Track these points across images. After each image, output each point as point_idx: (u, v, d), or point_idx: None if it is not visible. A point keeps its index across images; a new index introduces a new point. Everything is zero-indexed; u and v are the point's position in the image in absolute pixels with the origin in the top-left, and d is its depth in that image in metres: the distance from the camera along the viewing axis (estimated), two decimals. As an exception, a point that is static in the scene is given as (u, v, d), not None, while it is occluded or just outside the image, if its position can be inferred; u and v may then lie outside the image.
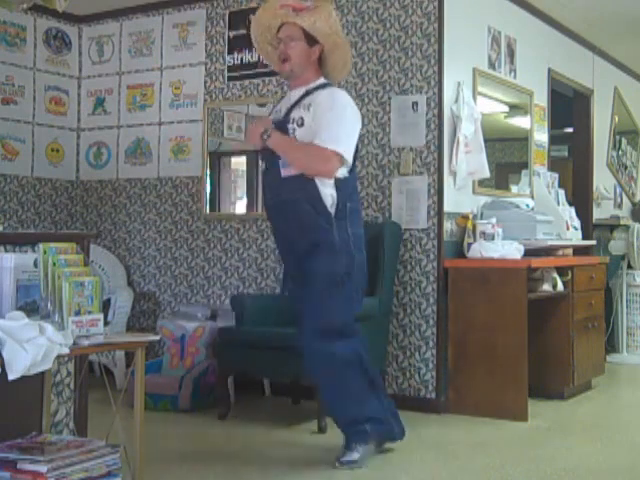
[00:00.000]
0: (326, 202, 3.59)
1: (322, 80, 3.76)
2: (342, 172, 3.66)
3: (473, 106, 5.14)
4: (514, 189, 6.15)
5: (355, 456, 3.67)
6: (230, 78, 5.72)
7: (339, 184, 3.63)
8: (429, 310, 4.92)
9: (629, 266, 7.11)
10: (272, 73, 5.50)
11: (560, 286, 5.19)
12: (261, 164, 3.79)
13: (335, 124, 3.60)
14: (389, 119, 5.08)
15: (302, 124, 3.62)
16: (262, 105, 5.67)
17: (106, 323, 3.26)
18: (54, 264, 2.70)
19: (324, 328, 3.63)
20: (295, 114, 3.66)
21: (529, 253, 4.98)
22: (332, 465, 3.67)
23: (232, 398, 4.97)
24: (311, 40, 3.67)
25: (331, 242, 3.59)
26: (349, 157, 3.64)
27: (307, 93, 3.69)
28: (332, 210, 3.60)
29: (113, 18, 6.29)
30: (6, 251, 2.93)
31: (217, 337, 4.87)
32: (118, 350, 5.19)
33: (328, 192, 3.60)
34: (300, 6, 3.70)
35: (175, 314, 5.71)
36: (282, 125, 3.66)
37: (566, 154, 8.51)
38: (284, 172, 3.62)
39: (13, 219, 5.96)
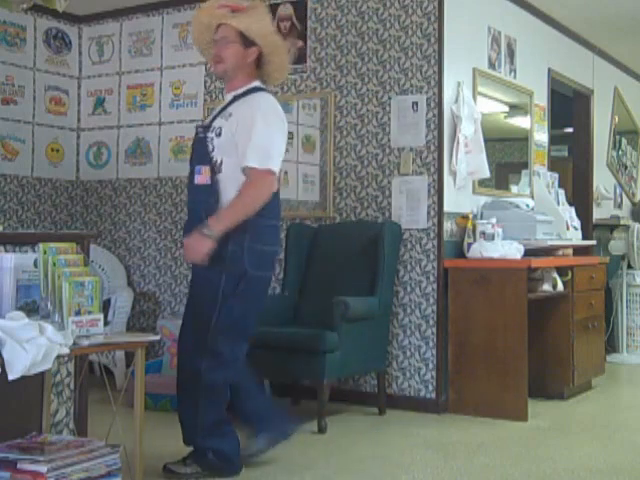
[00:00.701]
0: None
1: (254, 84, 3.62)
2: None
3: (473, 106, 5.14)
4: (514, 189, 6.16)
5: (186, 470, 3.54)
6: (230, 78, 5.71)
7: None
8: (429, 310, 4.92)
9: (629, 266, 7.11)
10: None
11: (560, 286, 5.19)
12: (189, 169, 3.64)
13: (260, 139, 3.43)
14: (389, 119, 5.08)
15: (220, 134, 3.49)
16: (262, 105, 5.66)
17: (106, 323, 3.26)
18: (54, 264, 2.70)
19: (201, 345, 3.49)
20: (216, 123, 3.53)
21: (529, 253, 4.98)
22: (162, 466, 3.55)
23: (232, 398, 4.96)
24: (247, 42, 3.54)
25: (222, 255, 3.40)
26: (277, 170, 3.50)
27: (234, 99, 3.58)
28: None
29: (113, 18, 6.29)
30: (6, 251, 2.93)
31: (217, 337, 4.86)
32: (118, 350, 5.19)
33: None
34: (238, 7, 3.59)
35: (175, 314, 5.71)
36: (203, 132, 3.54)
37: (566, 154, 8.51)
38: (197, 179, 3.51)
39: (13, 219, 5.96)
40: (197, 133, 3.58)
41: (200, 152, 3.52)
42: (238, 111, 3.50)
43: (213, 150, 3.48)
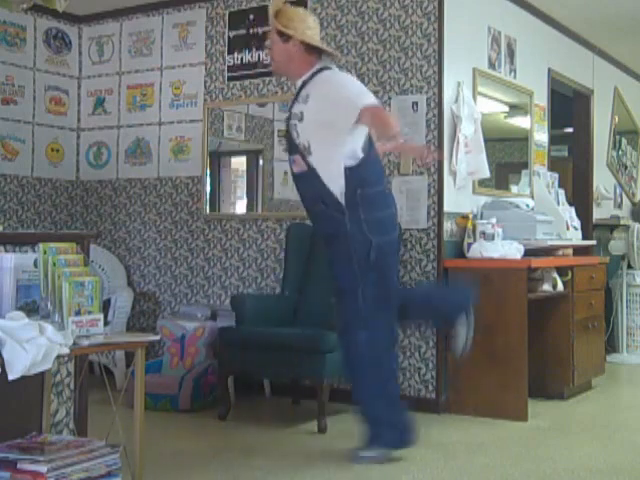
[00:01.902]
0: (335, 192, 3.60)
1: (317, 67, 3.76)
2: (349, 161, 3.63)
3: (473, 106, 5.14)
4: (514, 189, 6.16)
5: (367, 453, 3.70)
6: (230, 78, 5.72)
7: (347, 173, 3.61)
8: (429, 310, 4.92)
9: (629, 266, 7.11)
10: (272, 73, 5.50)
11: (560, 286, 5.19)
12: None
13: (353, 88, 3.65)
14: (389, 119, 5.08)
15: (302, 118, 3.64)
16: (262, 105, 5.67)
17: (106, 323, 3.26)
18: (54, 264, 2.70)
19: (353, 319, 3.68)
20: (295, 109, 3.70)
21: (529, 253, 4.98)
22: (346, 457, 3.70)
23: (232, 398, 4.97)
24: (284, 36, 3.77)
25: (344, 232, 3.61)
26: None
27: (304, 84, 3.73)
28: (342, 200, 3.60)
29: (113, 18, 6.29)
30: (6, 251, 2.93)
31: (217, 337, 4.87)
32: (118, 350, 5.20)
33: (336, 183, 3.60)
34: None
35: (175, 314, 5.71)
36: (286, 121, 3.74)
37: (566, 154, 8.51)
38: (295, 169, 3.71)
39: (13, 219, 5.96)
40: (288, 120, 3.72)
41: (289, 142, 3.70)
42: (314, 90, 3.64)
43: (298, 136, 3.63)
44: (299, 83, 3.76)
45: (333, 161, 3.59)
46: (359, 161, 3.64)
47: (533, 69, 6.10)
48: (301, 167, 3.65)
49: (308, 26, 3.79)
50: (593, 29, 6.71)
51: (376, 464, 3.67)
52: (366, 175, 3.66)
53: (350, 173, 3.61)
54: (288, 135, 3.71)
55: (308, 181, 3.63)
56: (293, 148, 3.68)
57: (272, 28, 3.80)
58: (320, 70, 3.74)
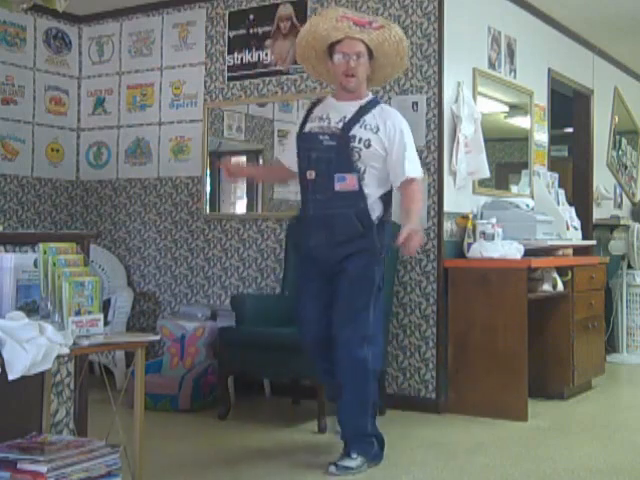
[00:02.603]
0: (373, 216, 3.72)
1: (370, 95, 3.87)
2: (389, 185, 3.83)
3: (473, 106, 5.14)
4: (514, 189, 6.15)
5: (353, 464, 3.64)
6: (230, 78, 5.72)
7: (385, 198, 3.81)
8: (429, 310, 4.92)
9: (629, 266, 7.11)
10: (272, 73, 5.51)
11: (560, 286, 5.18)
12: (310, 174, 3.72)
13: (411, 152, 3.79)
14: (389, 119, 5.07)
15: (369, 146, 3.71)
16: (262, 105, 5.67)
17: (106, 323, 3.26)
18: (54, 264, 2.70)
19: (364, 333, 3.70)
20: (359, 133, 3.70)
21: (529, 253, 4.98)
22: (325, 469, 3.64)
23: (232, 398, 4.97)
24: (371, 56, 3.76)
25: (374, 248, 3.73)
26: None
27: (361, 110, 3.75)
28: (374, 218, 3.74)
29: (113, 18, 6.29)
30: (6, 251, 2.93)
31: (217, 337, 4.87)
32: (118, 350, 5.19)
33: (376, 206, 3.74)
34: (362, 21, 3.75)
35: (175, 314, 5.71)
36: (344, 140, 3.69)
37: (566, 154, 8.51)
38: (338, 186, 3.69)
39: (13, 219, 5.96)
40: (321, 140, 3.71)
41: (344, 161, 3.69)
42: (386, 125, 3.74)
43: (359, 159, 3.69)
44: (354, 106, 3.75)
45: (375, 190, 3.75)
46: (388, 194, 3.85)
47: (533, 69, 6.10)
48: (353, 187, 3.69)
49: None
50: (593, 29, 6.70)
51: (349, 476, 3.61)
52: (389, 207, 3.87)
53: (387, 198, 3.83)
54: (341, 154, 3.70)
55: (353, 200, 3.69)
56: (348, 167, 3.69)
57: (363, 40, 3.70)
58: (377, 102, 3.86)
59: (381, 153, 3.72)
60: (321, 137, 3.72)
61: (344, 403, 3.76)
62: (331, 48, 3.75)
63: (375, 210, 3.73)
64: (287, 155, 3.98)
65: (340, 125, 3.72)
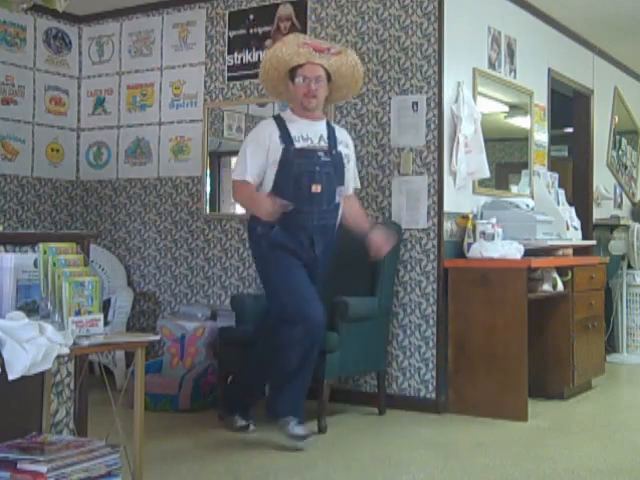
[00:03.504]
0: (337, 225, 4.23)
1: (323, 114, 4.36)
2: None
3: (473, 106, 5.14)
4: (514, 189, 6.15)
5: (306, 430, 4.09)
6: (230, 78, 5.72)
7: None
8: (429, 310, 4.92)
9: (629, 266, 7.11)
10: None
11: (560, 286, 5.19)
12: (316, 188, 4.04)
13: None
14: (389, 119, 5.08)
15: (349, 160, 4.26)
16: (262, 105, 5.67)
17: (106, 323, 3.26)
18: (54, 264, 2.70)
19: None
20: (343, 150, 4.21)
21: (529, 253, 4.98)
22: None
23: (232, 398, 4.96)
24: (329, 79, 4.16)
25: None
26: None
27: (330, 128, 4.21)
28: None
29: (113, 18, 6.29)
30: (6, 251, 2.93)
31: (217, 337, 4.87)
32: (118, 350, 5.19)
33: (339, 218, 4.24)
34: (321, 47, 4.15)
35: (175, 314, 5.71)
36: (338, 156, 4.17)
37: (566, 154, 8.51)
38: (337, 198, 4.13)
39: (13, 219, 5.96)
40: (319, 156, 4.09)
41: (339, 175, 4.14)
42: (348, 142, 4.31)
43: (345, 173, 4.20)
44: (322, 125, 4.19)
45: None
46: None
47: (533, 69, 6.10)
48: (340, 199, 4.15)
49: None
50: (593, 29, 6.71)
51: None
52: None
53: None
54: (339, 169, 4.15)
55: (336, 211, 4.15)
56: (341, 181, 4.16)
57: (323, 64, 4.10)
58: (329, 122, 4.33)
59: (350, 166, 4.25)
60: (319, 153, 4.09)
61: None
62: (292, 71, 4.11)
63: (338, 220, 4.23)
64: (251, 175, 4.09)
65: (323, 144, 4.13)
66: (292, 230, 4.03)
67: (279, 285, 4.09)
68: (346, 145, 4.23)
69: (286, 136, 4.07)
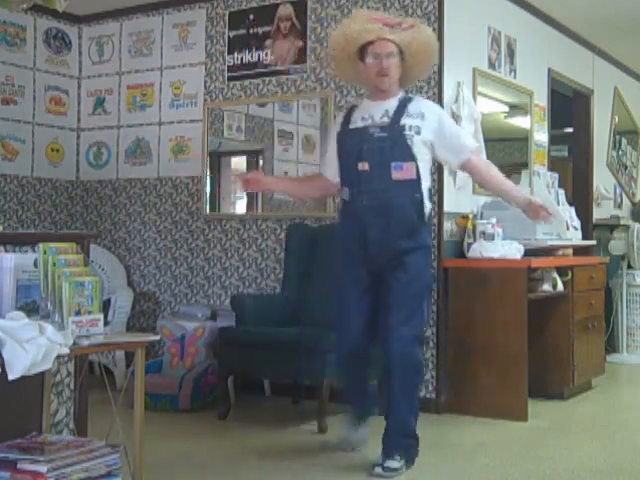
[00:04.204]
0: (425, 211, 3.73)
1: (401, 92, 3.86)
2: (431, 184, 3.84)
3: (473, 106, 5.14)
4: (514, 189, 6.14)
5: (396, 465, 3.62)
6: (230, 78, 5.72)
7: (431, 194, 3.83)
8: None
9: (629, 266, 7.11)
10: (272, 73, 5.51)
11: (560, 286, 5.18)
12: (362, 165, 3.69)
13: (460, 128, 4.01)
14: (389, 119, 5.07)
15: (419, 132, 3.72)
16: (262, 105, 5.67)
17: (106, 323, 3.26)
18: (54, 264, 2.70)
19: (419, 333, 3.76)
20: (408, 122, 3.71)
21: (529, 253, 4.98)
22: (369, 472, 3.62)
23: (232, 398, 4.97)
24: (402, 56, 3.77)
25: (428, 247, 3.81)
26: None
27: (402, 102, 3.78)
28: (427, 211, 3.76)
29: (113, 18, 6.29)
30: (6, 251, 2.93)
31: (217, 337, 4.87)
32: (118, 350, 5.19)
33: (427, 202, 3.74)
34: (391, 22, 3.78)
35: (175, 314, 5.71)
36: (397, 129, 3.70)
37: (566, 154, 8.51)
38: (395, 174, 3.67)
39: (13, 219, 5.96)
40: (371, 133, 3.71)
41: (399, 149, 3.68)
42: (430, 112, 3.78)
43: (412, 146, 3.69)
44: (393, 102, 3.77)
45: (428, 180, 3.78)
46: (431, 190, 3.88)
47: (533, 69, 6.10)
48: (411, 175, 3.69)
49: None
50: (593, 29, 6.71)
51: (396, 477, 3.61)
52: (432, 205, 3.93)
53: (431, 196, 3.84)
54: (395, 143, 3.69)
55: (410, 189, 3.69)
56: (405, 156, 3.69)
57: (394, 41, 3.72)
58: (411, 97, 3.89)
59: (430, 138, 3.73)
60: (371, 130, 3.72)
61: (393, 403, 3.72)
62: (362, 50, 3.76)
63: (426, 205, 3.74)
64: (328, 169, 3.94)
65: (385, 119, 3.73)
66: (350, 221, 3.79)
67: (334, 297, 3.90)
68: (419, 116, 3.73)
69: (346, 121, 3.85)
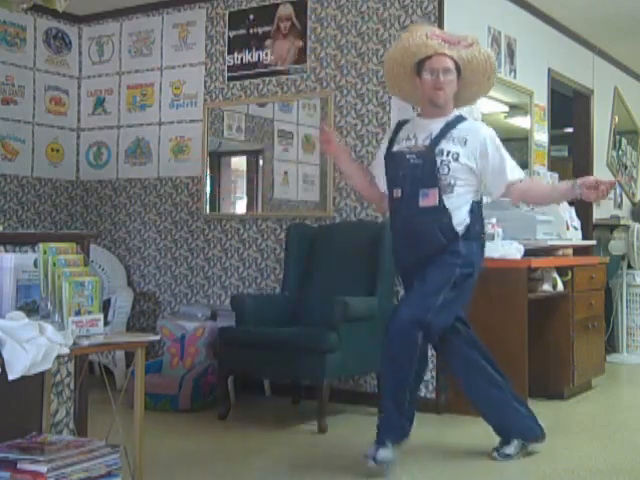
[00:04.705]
0: (457, 229, 3.71)
1: (456, 111, 3.83)
2: (479, 195, 3.83)
3: (473, 106, 5.13)
4: (514, 189, 6.14)
5: (511, 450, 3.87)
6: (230, 78, 5.72)
7: (474, 208, 3.78)
8: (429, 310, 4.91)
9: (629, 266, 7.11)
10: (272, 73, 5.52)
11: (560, 286, 5.18)
12: (396, 192, 3.75)
13: (508, 157, 3.81)
14: (389, 119, 5.08)
15: (457, 159, 3.69)
16: (262, 105, 5.67)
17: (106, 323, 3.26)
18: (54, 264, 2.70)
19: (420, 318, 3.68)
20: (446, 147, 3.69)
21: (529, 253, 4.98)
22: (489, 456, 3.84)
23: (232, 398, 4.97)
24: (459, 73, 3.75)
25: (459, 252, 3.71)
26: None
27: (448, 125, 3.74)
28: (460, 230, 3.71)
29: (113, 18, 6.29)
30: (6, 251, 2.93)
31: (217, 337, 4.87)
32: (118, 350, 5.19)
33: (462, 218, 3.72)
34: (450, 39, 3.76)
35: (175, 314, 5.71)
36: (430, 156, 3.69)
37: (566, 154, 8.51)
38: (422, 202, 3.68)
39: (13, 219, 5.96)
40: (408, 159, 3.70)
41: (428, 176, 3.68)
42: (474, 138, 3.72)
43: (448, 172, 3.68)
44: (441, 123, 3.74)
45: (465, 202, 3.74)
46: (478, 205, 3.85)
47: (533, 69, 6.10)
48: (434, 202, 3.68)
49: None
50: (593, 29, 6.71)
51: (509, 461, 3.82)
52: (480, 219, 3.89)
53: (476, 208, 3.80)
54: (426, 170, 3.69)
55: (435, 215, 3.70)
56: (432, 182, 3.68)
57: (452, 57, 3.70)
58: (463, 117, 3.82)
59: (470, 165, 3.71)
60: (408, 156, 3.72)
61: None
62: (419, 66, 3.74)
63: (461, 223, 3.71)
64: (380, 180, 3.94)
65: (427, 142, 3.72)
66: (392, 233, 3.94)
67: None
68: (461, 141, 3.71)
69: (392, 139, 3.85)
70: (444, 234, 3.69)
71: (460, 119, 3.79)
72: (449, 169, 3.68)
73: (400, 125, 3.91)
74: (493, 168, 3.74)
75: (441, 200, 3.67)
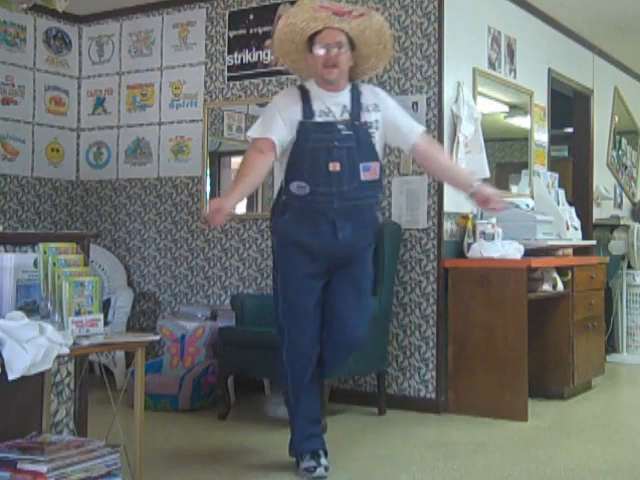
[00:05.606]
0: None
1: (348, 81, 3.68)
2: None
3: (473, 106, 5.14)
4: (514, 189, 6.15)
5: None
6: (230, 78, 5.72)
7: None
8: (429, 310, 4.92)
9: (629, 266, 7.11)
10: (272, 73, 5.51)
11: (560, 286, 5.19)
12: (334, 166, 3.49)
13: (404, 111, 3.76)
14: (389, 119, 5.07)
15: (378, 127, 3.60)
16: (262, 105, 5.67)
17: (106, 323, 3.27)
18: (54, 264, 2.70)
19: (369, 316, 3.83)
20: (368, 117, 3.57)
21: (529, 253, 4.98)
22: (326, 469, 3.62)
23: (232, 398, 4.97)
24: (352, 46, 3.56)
25: (373, 240, 3.76)
26: None
27: (354, 94, 3.60)
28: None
29: (113, 18, 6.29)
30: (6, 251, 2.93)
31: (217, 337, 4.87)
32: (118, 350, 5.20)
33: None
34: (342, 10, 3.56)
35: (175, 314, 5.71)
36: (360, 129, 3.55)
37: (566, 154, 8.51)
38: (364, 176, 3.54)
39: (13, 219, 5.96)
40: (339, 129, 3.52)
41: (365, 148, 3.55)
42: (380, 101, 3.64)
43: (376, 144, 3.59)
44: (345, 95, 3.58)
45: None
46: None
47: (533, 69, 6.10)
48: (375, 175, 3.57)
49: None
50: (593, 29, 6.71)
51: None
52: None
53: None
54: (363, 142, 3.55)
55: (374, 189, 3.61)
56: (371, 155, 3.57)
57: (344, 29, 3.50)
58: (356, 84, 3.67)
59: (383, 131, 3.62)
60: (339, 126, 3.53)
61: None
62: (310, 41, 3.53)
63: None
64: (276, 131, 3.55)
65: (346, 115, 3.55)
66: (309, 218, 3.53)
67: (281, 297, 3.66)
68: (375, 107, 3.59)
69: (307, 108, 3.55)
70: (378, 209, 3.74)
71: (357, 85, 3.66)
72: (376, 140, 3.59)
73: (304, 93, 3.62)
74: (404, 119, 3.69)
75: (381, 173, 3.61)
